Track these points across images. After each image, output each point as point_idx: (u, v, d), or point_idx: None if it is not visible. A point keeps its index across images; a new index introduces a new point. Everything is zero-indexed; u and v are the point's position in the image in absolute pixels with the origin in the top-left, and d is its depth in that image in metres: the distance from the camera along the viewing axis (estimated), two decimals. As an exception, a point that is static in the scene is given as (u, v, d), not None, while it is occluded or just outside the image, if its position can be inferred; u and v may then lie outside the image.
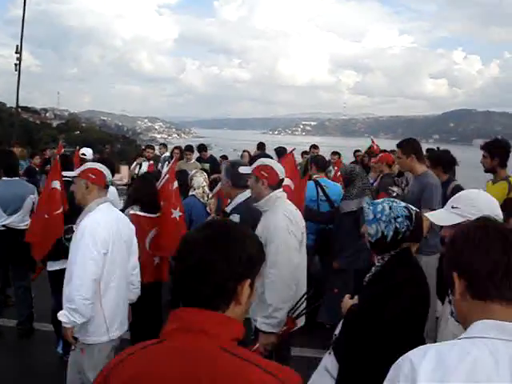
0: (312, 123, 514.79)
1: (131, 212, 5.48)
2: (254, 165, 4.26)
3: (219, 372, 1.43)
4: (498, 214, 2.57)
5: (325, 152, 12.37)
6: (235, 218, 4.59)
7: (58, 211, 5.47)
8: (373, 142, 12.18)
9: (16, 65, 13.20)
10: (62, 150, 10.78)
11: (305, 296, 4.06)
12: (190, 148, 11.81)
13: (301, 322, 4.22)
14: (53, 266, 5.58)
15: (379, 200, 3.09)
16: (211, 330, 1.50)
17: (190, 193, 6.47)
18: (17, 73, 15.15)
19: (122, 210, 5.90)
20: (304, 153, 12.85)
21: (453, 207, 2.77)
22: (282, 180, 4.30)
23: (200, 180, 6.51)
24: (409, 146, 5.74)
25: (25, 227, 5.88)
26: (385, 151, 10.12)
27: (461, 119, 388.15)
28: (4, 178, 5.95)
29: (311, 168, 7.48)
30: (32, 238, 5.49)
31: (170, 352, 1.51)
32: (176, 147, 12.43)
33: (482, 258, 1.50)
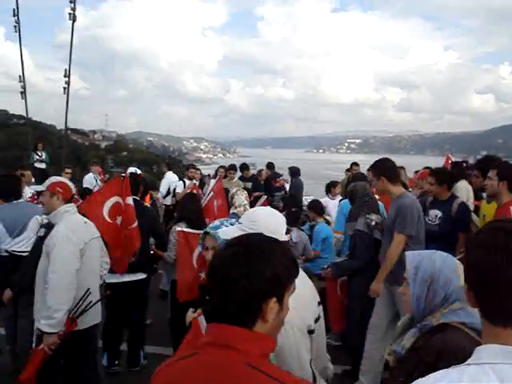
0: (357, 141, 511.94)
1: (178, 229, 5.57)
2: (49, 182, 4.55)
3: None
4: (274, 230, 2.40)
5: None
6: None
7: (134, 225, 5.65)
8: (448, 157, 11.46)
9: (65, 88, 13.57)
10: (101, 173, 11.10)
11: (85, 296, 4.26)
12: (233, 167, 11.97)
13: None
14: (110, 279, 5.66)
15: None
16: (240, 346, 1.52)
17: (232, 211, 6.49)
18: (65, 96, 15.54)
19: (170, 228, 6.01)
20: (346, 170, 12.82)
21: (239, 222, 2.70)
22: (74, 195, 4.79)
23: (241, 198, 6.54)
24: (377, 167, 5.36)
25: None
26: (428, 168, 9.87)
27: (509, 134, 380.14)
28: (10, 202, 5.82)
29: (309, 211, 7.67)
30: (115, 253, 5.54)
31: (200, 365, 1.56)
32: (221, 166, 12.59)
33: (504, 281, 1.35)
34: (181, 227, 5.60)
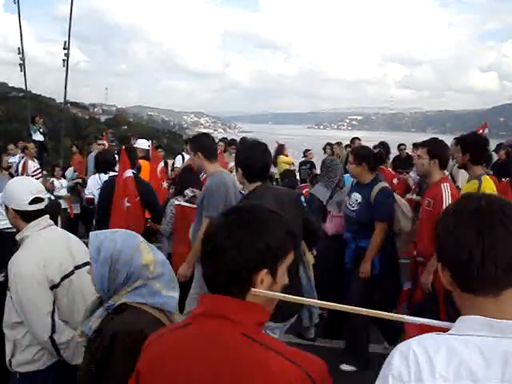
0: (358, 117, 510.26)
1: (176, 203, 5.59)
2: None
3: (241, 360, 1.45)
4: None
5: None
6: None
7: (137, 198, 5.65)
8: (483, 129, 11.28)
9: (64, 61, 13.46)
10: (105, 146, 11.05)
11: None
12: (233, 142, 11.86)
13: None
14: None
15: None
16: (234, 316, 1.51)
17: None
18: (65, 69, 15.41)
19: (167, 201, 6.00)
20: (347, 146, 12.82)
21: None
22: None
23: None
24: (194, 143, 5.17)
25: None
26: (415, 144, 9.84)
27: (511, 113, 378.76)
28: None
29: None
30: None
31: (194, 336, 1.55)
32: (221, 140, 12.53)
33: (457, 245, 1.37)
34: (178, 201, 5.61)
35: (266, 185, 4.27)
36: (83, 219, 10.90)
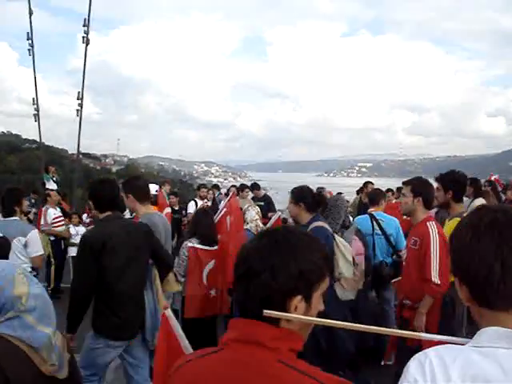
0: (367, 165, 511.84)
1: (189, 245, 5.59)
2: None
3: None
4: None
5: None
6: None
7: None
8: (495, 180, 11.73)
9: (78, 111, 13.72)
10: None
11: None
12: (244, 186, 12.05)
13: None
14: None
15: None
16: (268, 343, 1.44)
17: (244, 227, 6.49)
18: (78, 119, 15.64)
19: (181, 243, 6.00)
20: (359, 191, 12.84)
21: None
22: None
23: (252, 214, 6.56)
24: (126, 185, 5.15)
25: None
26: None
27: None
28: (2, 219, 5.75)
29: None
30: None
31: (228, 362, 1.48)
32: (233, 185, 12.66)
33: (476, 260, 1.34)
34: (192, 243, 5.62)
35: (115, 214, 4.54)
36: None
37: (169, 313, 2.95)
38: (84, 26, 12.33)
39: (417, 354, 1.34)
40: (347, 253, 5.22)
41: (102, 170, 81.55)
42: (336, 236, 5.34)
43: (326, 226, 5.25)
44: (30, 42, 12.36)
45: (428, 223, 4.76)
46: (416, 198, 4.88)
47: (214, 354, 1.53)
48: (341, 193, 11.96)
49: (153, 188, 9.58)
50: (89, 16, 11.88)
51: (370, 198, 7.53)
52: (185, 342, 2.81)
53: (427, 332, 4.49)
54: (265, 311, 1.44)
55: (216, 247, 5.70)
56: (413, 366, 1.31)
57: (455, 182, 5.34)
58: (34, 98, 13.15)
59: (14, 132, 79.91)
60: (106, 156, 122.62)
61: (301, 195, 5.33)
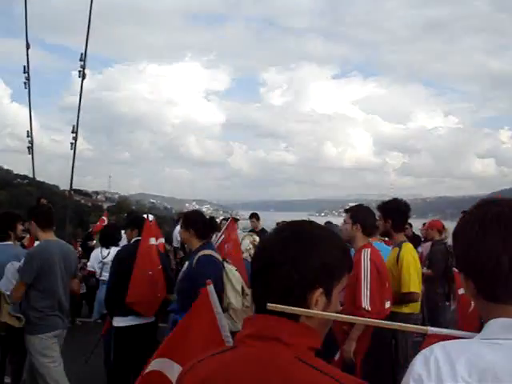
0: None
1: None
2: None
3: (294, 382, 1.33)
4: None
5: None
6: None
7: (160, 266, 5.55)
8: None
9: (72, 144, 13.77)
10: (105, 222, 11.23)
11: None
12: (238, 219, 12.00)
13: None
14: (119, 323, 5.56)
15: None
16: (287, 339, 1.38)
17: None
18: (71, 153, 15.61)
19: (179, 270, 6.00)
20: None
21: None
22: None
23: (246, 243, 6.58)
24: (30, 213, 5.43)
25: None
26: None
27: (509, 198, 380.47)
28: None
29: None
30: (136, 298, 5.33)
31: (243, 358, 1.42)
32: (223, 219, 12.67)
33: (482, 254, 1.32)
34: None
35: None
36: (87, 299, 10.90)
37: (211, 288, 2.81)
38: (81, 60, 12.47)
39: (423, 350, 1.31)
40: (236, 282, 5.12)
41: (93, 207, 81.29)
42: (226, 264, 5.25)
43: (215, 254, 5.15)
44: (26, 75, 12.49)
45: (363, 250, 4.77)
46: (355, 224, 4.90)
47: (229, 352, 1.49)
48: (330, 222, 12.06)
49: (151, 217, 9.71)
50: (85, 50, 12.03)
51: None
52: (222, 322, 2.67)
53: (355, 359, 4.60)
54: (269, 304, 1.39)
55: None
56: (418, 362, 1.28)
57: (395, 210, 5.33)
58: (28, 131, 13.14)
59: (5, 167, 79.76)
60: (97, 193, 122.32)
61: (191, 221, 5.25)
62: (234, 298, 5.04)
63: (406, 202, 5.51)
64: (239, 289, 5.10)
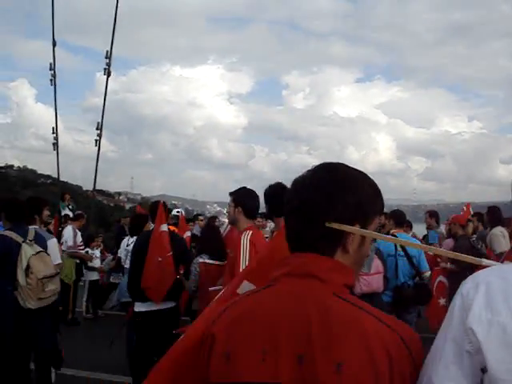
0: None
1: (200, 260, 5.72)
2: None
3: (332, 316, 1.32)
4: None
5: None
6: None
7: (170, 253, 5.63)
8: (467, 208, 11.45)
9: (96, 141, 13.99)
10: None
11: None
12: (261, 215, 12.06)
13: None
14: (139, 308, 5.69)
15: None
16: (323, 275, 1.39)
17: None
18: (95, 154, 15.73)
19: (191, 260, 6.11)
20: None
21: None
22: None
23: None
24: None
25: None
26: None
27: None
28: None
29: (389, 222, 7.32)
30: (148, 283, 5.51)
31: (278, 295, 1.42)
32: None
33: None
34: (203, 259, 5.76)
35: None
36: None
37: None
38: (106, 57, 12.73)
39: (469, 277, 1.31)
40: (24, 260, 5.17)
41: (116, 207, 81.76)
42: (24, 245, 5.27)
43: (14, 234, 5.29)
44: (52, 72, 12.77)
45: (244, 232, 4.79)
46: (237, 207, 4.94)
47: (265, 290, 1.49)
48: None
49: (175, 210, 10.02)
50: (111, 47, 12.28)
51: (394, 219, 7.34)
52: None
53: None
54: (331, 223, 1.39)
55: (226, 262, 5.81)
56: (468, 282, 1.29)
57: (246, 196, 5.19)
58: (53, 127, 13.48)
59: (29, 167, 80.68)
60: (119, 193, 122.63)
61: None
62: (20, 275, 5.12)
63: (285, 185, 5.20)
64: (24, 266, 5.16)
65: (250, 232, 4.79)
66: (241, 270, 4.50)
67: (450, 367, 1.23)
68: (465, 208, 11.24)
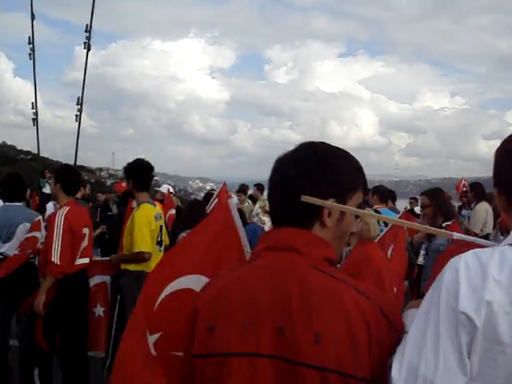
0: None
1: (184, 235, 5.69)
2: None
3: (311, 289, 1.36)
4: None
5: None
6: None
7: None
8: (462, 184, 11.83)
9: (76, 116, 13.83)
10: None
11: None
12: (242, 190, 11.99)
13: None
14: None
15: None
16: (302, 248, 1.42)
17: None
18: (75, 129, 15.51)
19: (177, 234, 6.13)
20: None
21: None
22: None
23: (256, 207, 6.79)
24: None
25: None
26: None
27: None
28: (6, 204, 5.77)
29: (372, 198, 7.29)
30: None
31: (259, 269, 1.46)
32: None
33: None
34: (187, 234, 5.73)
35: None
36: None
37: (232, 201, 2.78)
38: (86, 31, 12.55)
39: (451, 260, 1.33)
40: None
41: (96, 183, 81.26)
42: None
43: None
44: (31, 46, 12.55)
45: (62, 208, 4.92)
46: (56, 184, 5.07)
47: (246, 265, 1.56)
48: None
49: (165, 188, 9.97)
50: (91, 21, 12.10)
51: (377, 194, 7.35)
52: (243, 233, 2.62)
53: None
54: (303, 196, 1.43)
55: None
56: (448, 267, 1.30)
57: (135, 171, 5.43)
58: (32, 103, 13.30)
59: (8, 143, 79.39)
60: (100, 169, 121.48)
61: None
62: None
63: (149, 162, 5.56)
64: None
65: (67, 208, 4.89)
66: (53, 244, 4.69)
67: (452, 363, 1.21)
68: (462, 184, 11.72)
